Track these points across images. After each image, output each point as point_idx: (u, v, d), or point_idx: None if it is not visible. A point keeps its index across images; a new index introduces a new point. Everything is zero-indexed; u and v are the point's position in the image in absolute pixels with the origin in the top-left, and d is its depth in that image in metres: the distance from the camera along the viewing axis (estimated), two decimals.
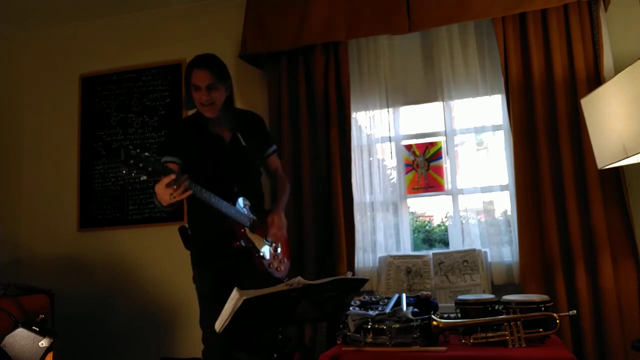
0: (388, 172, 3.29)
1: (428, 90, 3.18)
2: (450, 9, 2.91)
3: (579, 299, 2.64)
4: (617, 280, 2.64)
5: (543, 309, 2.10)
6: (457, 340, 2.15)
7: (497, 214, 3.03)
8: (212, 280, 2.34)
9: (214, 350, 2.31)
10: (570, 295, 2.68)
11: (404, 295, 2.39)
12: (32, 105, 3.89)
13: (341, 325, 2.25)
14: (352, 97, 3.13)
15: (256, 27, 3.21)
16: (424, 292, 2.44)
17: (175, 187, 1.99)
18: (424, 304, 2.33)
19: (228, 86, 2.41)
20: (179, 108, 3.55)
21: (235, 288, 1.66)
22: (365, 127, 3.25)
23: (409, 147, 3.25)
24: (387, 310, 2.20)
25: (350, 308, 2.28)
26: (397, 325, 2.09)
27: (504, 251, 2.95)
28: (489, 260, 2.94)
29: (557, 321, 2.05)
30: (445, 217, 3.33)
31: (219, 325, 1.70)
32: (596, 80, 2.73)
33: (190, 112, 2.52)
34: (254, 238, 2.34)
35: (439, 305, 2.51)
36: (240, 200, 2.34)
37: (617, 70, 2.59)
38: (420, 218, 3.55)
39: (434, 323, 2.08)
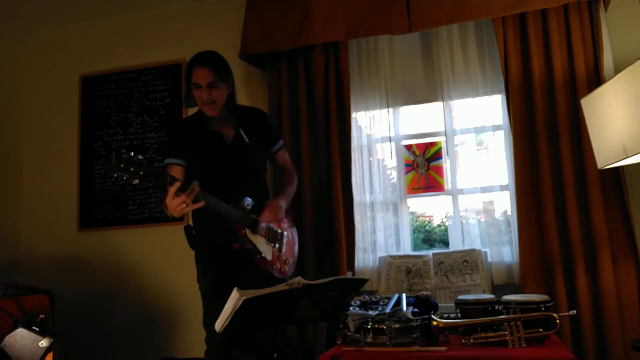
0: (388, 172, 3.29)
1: (428, 90, 3.18)
2: (450, 9, 2.91)
3: (579, 299, 2.64)
4: (617, 280, 2.64)
5: (543, 309, 2.10)
6: (457, 340, 2.15)
7: (497, 214, 3.03)
8: (215, 280, 2.32)
9: (216, 351, 2.30)
10: (570, 295, 2.68)
11: (404, 295, 2.39)
12: (32, 105, 3.89)
13: (341, 325, 2.24)
14: (352, 97, 3.13)
15: (256, 27, 3.21)
16: (424, 292, 2.44)
17: (186, 194, 1.94)
18: (424, 304, 2.33)
19: (230, 83, 2.38)
20: (179, 108, 3.55)
21: (235, 288, 1.66)
22: (365, 127, 3.25)
23: (409, 147, 3.25)
24: (387, 310, 2.20)
25: (350, 308, 2.28)
26: (397, 325, 2.09)
27: (504, 251, 2.95)
28: (489, 260, 2.94)
29: (557, 321, 2.05)
30: (445, 217, 3.33)
31: (218, 325, 1.70)
32: (596, 80, 2.73)
33: (193, 111, 2.50)
34: (255, 239, 2.32)
35: (439, 305, 2.51)
36: (243, 200, 2.31)
37: (617, 70, 2.59)
38: (420, 218, 3.55)
39: (434, 323, 2.08)
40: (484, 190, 3.04)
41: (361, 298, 2.47)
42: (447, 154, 3.13)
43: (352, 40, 3.15)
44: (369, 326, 2.13)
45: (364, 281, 2.06)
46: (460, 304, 2.26)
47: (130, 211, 3.57)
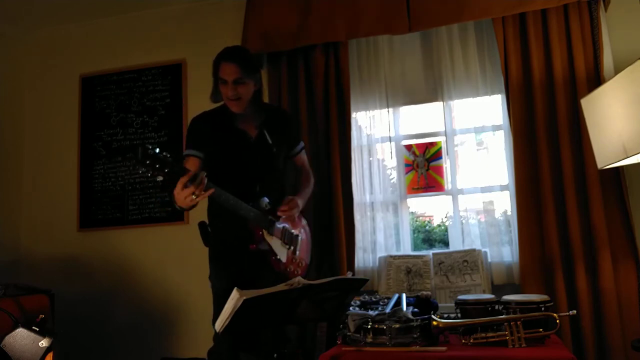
0: (388, 172, 3.29)
1: (428, 90, 3.18)
2: (450, 9, 2.91)
3: (579, 299, 2.64)
4: (617, 280, 2.64)
5: (543, 309, 2.10)
6: (457, 340, 2.15)
7: (497, 214, 3.03)
8: (227, 280, 2.27)
9: (223, 352, 2.29)
10: (570, 295, 2.68)
11: (404, 295, 2.39)
12: (32, 105, 3.89)
13: (341, 325, 2.24)
14: (352, 97, 3.13)
15: (256, 27, 3.21)
16: (424, 292, 2.43)
17: (195, 185, 1.89)
18: (424, 304, 2.32)
19: (257, 80, 2.36)
20: (179, 108, 3.55)
21: (235, 288, 1.66)
22: (365, 127, 3.25)
23: (409, 147, 3.25)
24: (387, 310, 2.20)
25: (350, 308, 2.28)
26: (397, 325, 2.09)
27: (504, 251, 2.95)
28: (489, 260, 2.94)
29: (557, 321, 2.05)
30: (445, 217, 3.33)
31: (219, 325, 1.71)
32: (596, 80, 2.73)
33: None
34: (272, 240, 2.30)
35: (439, 305, 2.51)
36: (262, 200, 2.29)
37: (617, 70, 2.59)
38: (420, 218, 3.55)
39: (434, 323, 2.08)
40: (484, 190, 3.04)
41: (361, 298, 2.47)
42: (447, 154, 3.13)
43: (352, 40, 3.16)
44: (369, 326, 2.12)
45: (364, 281, 2.06)
46: (460, 304, 2.26)
47: (130, 211, 3.56)
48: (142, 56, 3.67)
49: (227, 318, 1.67)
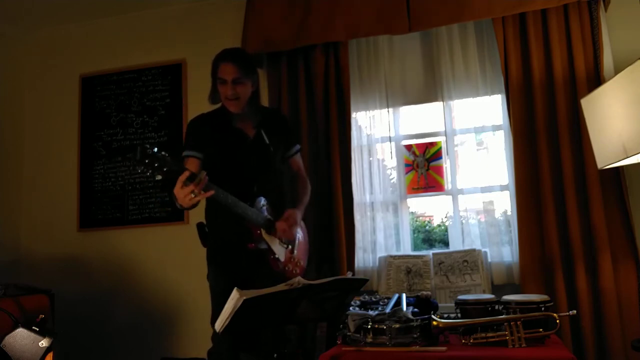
0: (388, 172, 3.29)
1: (428, 90, 3.18)
2: (450, 9, 2.91)
3: (579, 299, 2.64)
4: (617, 280, 2.64)
5: (543, 309, 2.10)
6: (457, 340, 2.15)
7: (497, 214, 3.03)
8: (226, 279, 2.29)
9: (223, 352, 2.29)
10: (570, 295, 2.68)
11: (404, 295, 2.39)
12: (32, 105, 3.89)
13: (341, 325, 2.24)
14: (352, 97, 3.13)
15: (256, 27, 3.21)
16: (424, 292, 2.43)
17: (195, 184, 1.90)
18: (424, 304, 2.32)
19: (254, 81, 2.39)
20: (179, 108, 3.55)
21: (235, 288, 1.66)
22: (365, 127, 3.25)
23: (409, 147, 3.25)
24: (387, 310, 2.20)
25: (350, 308, 2.28)
26: (397, 325, 2.09)
27: (504, 251, 2.95)
28: (489, 260, 2.94)
29: (557, 321, 2.05)
30: (445, 217, 3.33)
31: (218, 325, 1.71)
32: (596, 80, 2.73)
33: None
34: (270, 239, 2.31)
35: (439, 305, 2.51)
36: (259, 200, 2.30)
37: (617, 70, 2.59)
38: (420, 218, 3.55)
39: (434, 323, 2.08)
40: (484, 190, 3.03)
41: (361, 298, 2.47)
42: (447, 154, 3.13)
43: (352, 40, 3.15)
44: (369, 326, 2.12)
45: (364, 281, 2.06)
46: (460, 304, 2.26)
47: (130, 211, 3.56)
48: (142, 56, 3.67)
49: (227, 318, 1.67)
